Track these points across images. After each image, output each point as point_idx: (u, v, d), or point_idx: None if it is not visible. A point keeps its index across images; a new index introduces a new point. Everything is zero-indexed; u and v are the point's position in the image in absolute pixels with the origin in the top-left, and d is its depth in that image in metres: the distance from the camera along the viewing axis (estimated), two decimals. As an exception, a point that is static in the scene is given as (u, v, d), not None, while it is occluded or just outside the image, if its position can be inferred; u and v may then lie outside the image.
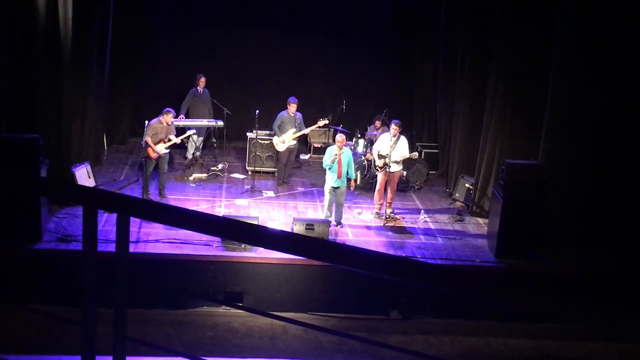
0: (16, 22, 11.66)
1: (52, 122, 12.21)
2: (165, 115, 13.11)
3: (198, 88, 15.51)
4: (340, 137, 12.62)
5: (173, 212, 2.77)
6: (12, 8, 11.59)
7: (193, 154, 15.62)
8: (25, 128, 11.52)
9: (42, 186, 3.55)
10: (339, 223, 12.66)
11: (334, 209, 12.68)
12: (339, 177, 12.39)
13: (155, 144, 12.94)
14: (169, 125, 13.17)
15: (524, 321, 11.37)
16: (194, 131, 14.59)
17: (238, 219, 11.79)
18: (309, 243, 2.72)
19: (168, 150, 13.27)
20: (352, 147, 15.34)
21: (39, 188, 3.99)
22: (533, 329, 11.32)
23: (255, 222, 11.80)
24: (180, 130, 13.98)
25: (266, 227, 3.64)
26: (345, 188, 12.62)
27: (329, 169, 12.48)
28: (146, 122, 13.11)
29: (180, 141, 13.62)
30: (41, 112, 12.09)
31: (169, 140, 13.16)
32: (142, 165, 13.42)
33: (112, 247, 3.36)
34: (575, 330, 10.91)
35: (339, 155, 12.37)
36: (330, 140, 16.80)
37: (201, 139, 15.71)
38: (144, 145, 13.07)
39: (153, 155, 12.97)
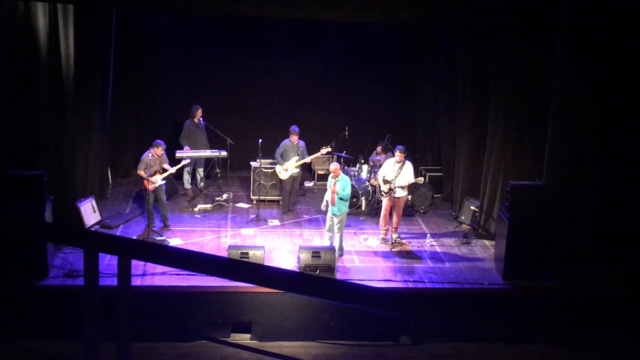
0: (18, 59, 11.76)
1: (57, 158, 12.23)
2: (155, 148, 13.17)
3: (194, 120, 15.51)
4: (332, 166, 12.65)
5: (173, 254, 2.78)
6: (14, 45, 11.68)
7: (197, 184, 15.63)
8: (29, 164, 11.58)
9: (44, 231, 3.57)
10: (339, 250, 12.56)
11: (333, 236, 12.65)
12: (332, 204, 12.37)
13: (151, 176, 13.00)
14: (160, 156, 13.23)
15: (534, 343, 11.28)
16: (188, 161, 14.58)
17: (244, 249, 11.82)
18: (309, 282, 2.72)
19: (164, 181, 13.31)
20: (356, 173, 15.35)
21: (41, 233, 4.01)
22: (543, 351, 11.22)
23: (262, 252, 11.80)
24: (176, 161, 13.95)
25: (266, 267, 3.63)
26: (343, 217, 12.47)
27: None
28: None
29: (175, 171, 13.61)
30: (45, 147, 12.13)
31: (165, 170, 13.24)
32: (144, 198, 13.46)
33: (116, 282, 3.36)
34: (584, 353, 10.80)
35: (333, 185, 12.38)
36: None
37: (201, 169, 15.71)
38: (140, 179, 13.18)
39: (150, 187, 13.02)
